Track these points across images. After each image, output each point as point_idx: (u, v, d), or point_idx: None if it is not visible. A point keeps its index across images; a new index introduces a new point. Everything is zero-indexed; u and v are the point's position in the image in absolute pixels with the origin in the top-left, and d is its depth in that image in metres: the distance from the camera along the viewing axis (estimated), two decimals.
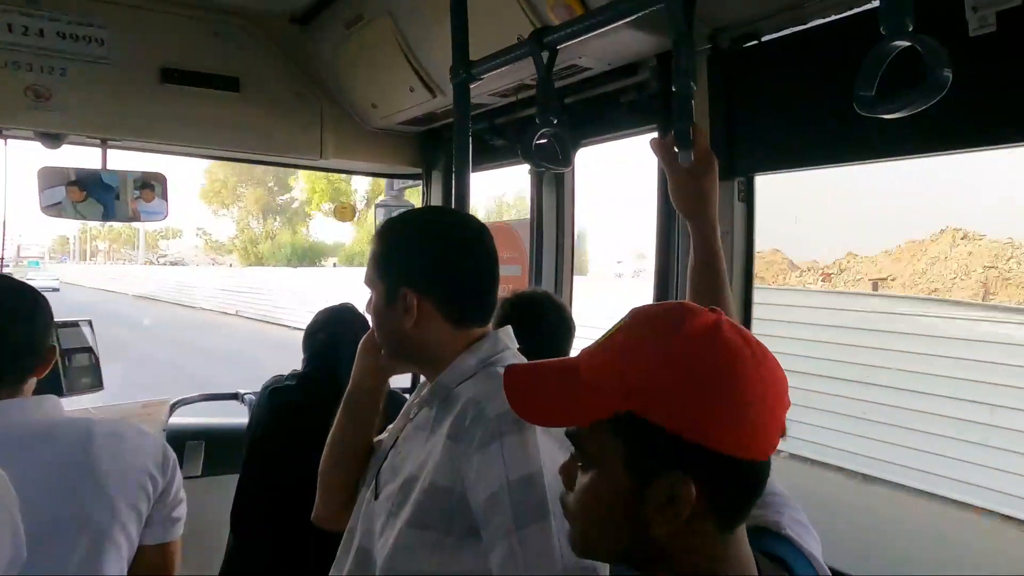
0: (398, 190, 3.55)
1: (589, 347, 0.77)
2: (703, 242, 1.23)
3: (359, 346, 1.37)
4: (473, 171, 2.00)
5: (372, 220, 3.52)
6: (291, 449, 2.06)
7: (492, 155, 2.77)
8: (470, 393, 1.18)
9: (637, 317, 0.75)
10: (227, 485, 2.13)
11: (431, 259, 1.24)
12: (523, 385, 0.79)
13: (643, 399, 0.69)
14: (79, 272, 50.50)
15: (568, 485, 0.77)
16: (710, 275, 1.23)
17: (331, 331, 2.18)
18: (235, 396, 2.81)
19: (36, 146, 2.54)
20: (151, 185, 2.59)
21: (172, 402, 2.73)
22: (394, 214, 3.54)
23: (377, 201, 3.47)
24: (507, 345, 1.27)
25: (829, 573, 0.85)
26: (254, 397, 2.64)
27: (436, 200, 3.11)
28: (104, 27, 2.42)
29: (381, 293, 1.25)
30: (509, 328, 1.31)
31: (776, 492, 0.94)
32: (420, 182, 3.25)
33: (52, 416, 1.23)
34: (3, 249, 2.73)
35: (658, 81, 2.00)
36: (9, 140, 2.52)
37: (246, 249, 40.44)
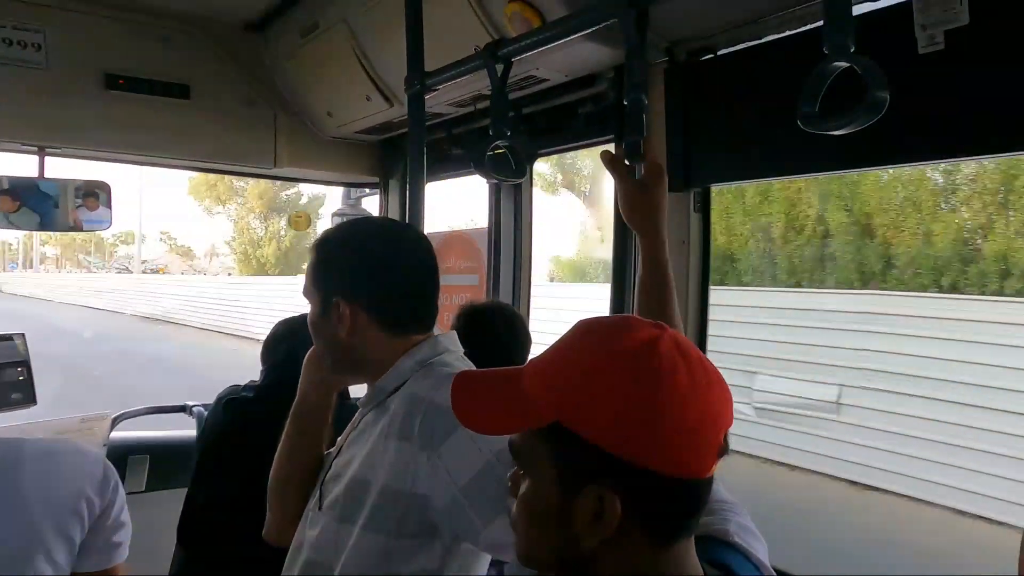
0: (355, 199, 3.51)
1: (536, 356, 0.77)
2: (651, 255, 1.24)
3: (305, 359, 1.38)
4: (430, 181, 1.98)
5: None
6: (246, 461, 2.01)
7: (450, 165, 2.75)
8: (413, 391, 1.18)
9: (579, 328, 0.75)
10: (173, 499, 2.07)
11: (361, 268, 1.24)
12: (467, 391, 0.79)
13: (569, 410, 0.69)
14: (35, 282, 46.27)
15: (513, 492, 0.77)
16: (658, 288, 1.23)
17: (291, 343, 2.14)
18: (183, 408, 2.73)
19: None
20: (95, 193, 2.51)
21: (113, 416, 2.65)
22: None
23: (334, 211, 3.43)
24: (447, 348, 1.27)
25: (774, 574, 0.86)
26: (203, 409, 2.57)
27: (394, 209, 3.08)
28: (40, 31, 2.34)
29: (316, 304, 1.26)
30: (453, 333, 1.32)
31: (723, 499, 0.94)
32: (376, 191, 3.22)
33: None
34: None
35: (615, 92, 2.00)
36: None
37: (246, 253, 34.03)
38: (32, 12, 2.33)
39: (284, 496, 1.37)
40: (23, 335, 2.25)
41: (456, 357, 1.26)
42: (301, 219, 3.18)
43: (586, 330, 0.74)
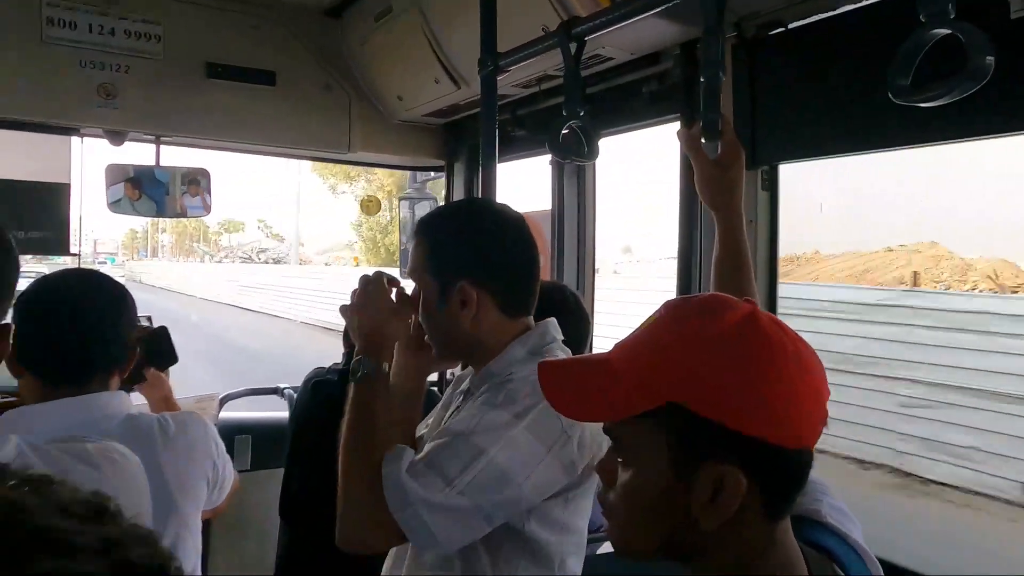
0: (420, 183, 3.58)
1: (622, 341, 0.77)
2: (728, 233, 1.24)
3: (398, 345, 1.36)
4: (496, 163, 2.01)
5: None
6: (333, 440, 2.12)
7: (514, 146, 2.79)
8: (511, 375, 1.21)
9: (672, 309, 0.75)
10: (274, 478, 2.18)
11: (486, 249, 1.25)
12: (559, 380, 0.79)
13: (685, 390, 0.69)
14: (163, 272, 43.48)
15: (608, 482, 0.76)
16: (736, 266, 1.24)
17: None
18: (276, 391, 2.86)
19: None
20: (196, 180, 2.64)
21: (220, 396, 2.78)
22: (417, 207, 3.59)
23: (401, 195, 3.50)
24: (554, 336, 1.29)
25: (876, 561, 0.83)
26: (293, 392, 2.69)
27: (459, 192, 3.14)
28: (159, 23, 2.49)
29: (433, 289, 1.25)
30: (555, 320, 1.32)
31: (812, 479, 0.94)
32: (443, 174, 3.27)
33: (124, 410, 1.26)
34: (80, 245, 2.82)
35: (681, 70, 2.00)
36: (85, 138, 2.60)
37: (375, 240, 30.23)
38: (152, 5, 2.48)
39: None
40: (149, 317, 2.35)
41: (559, 346, 1.28)
42: (372, 203, 3.27)
43: (681, 310, 0.75)
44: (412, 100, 2.75)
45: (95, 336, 1.23)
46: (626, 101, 2.28)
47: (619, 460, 0.74)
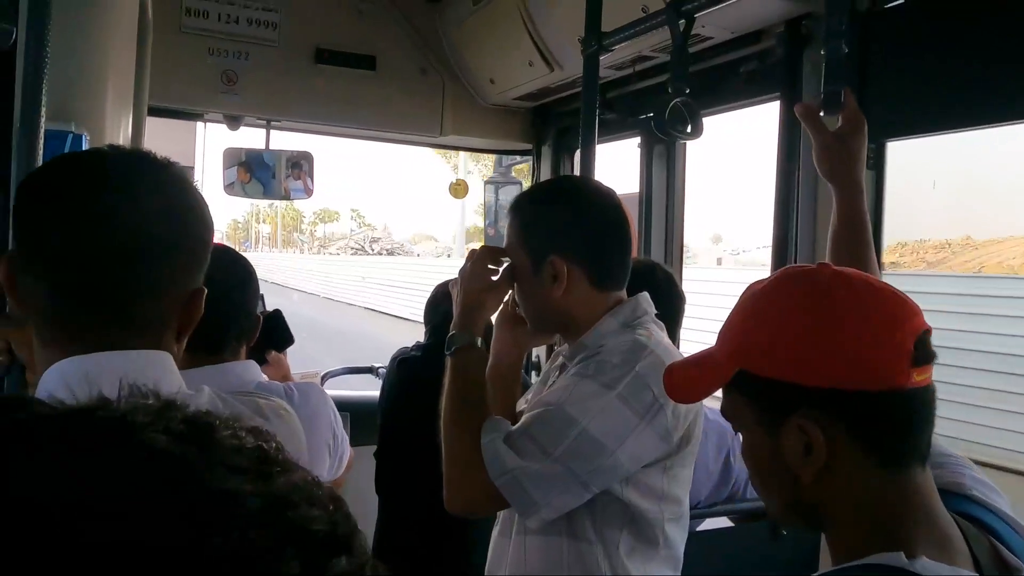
0: (506, 167, 3.62)
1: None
2: (848, 204, 1.23)
3: (496, 320, 1.41)
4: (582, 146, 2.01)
5: None
6: (420, 416, 2.20)
7: (602, 129, 2.80)
8: (605, 348, 1.24)
9: (750, 286, 0.80)
10: (370, 454, 2.27)
11: (576, 224, 1.28)
12: (675, 373, 0.87)
13: (745, 355, 0.74)
14: (271, 264, 38.29)
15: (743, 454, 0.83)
16: (854, 237, 1.23)
17: (448, 305, 2.29)
18: (370, 370, 2.96)
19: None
20: (299, 164, 2.75)
21: (322, 374, 2.89)
22: (501, 191, 3.62)
23: (486, 178, 3.56)
24: (646, 310, 1.31)
25: None
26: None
27: (546, 175, 3.16)
28: (276, 10, 2.60)
29: (526, 263, 1.29)
30: (647, 294, 1.35)
31: (948, 454, 0.92)
32: (528, 158, 3.31)
33: (256, 378, 1.34)
34: None
35: (784, 48, 1.98)
36: (208, 124, 2.78)
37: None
38: None
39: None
40: (262, 296, 2.46)
41: (651, 319, 1.31)
42: (460, 187, 3.32)
43: (759, 285, 0.79)
44: (504, 83, 2.79)
45: (231, 307, 1.31)
46: (723, 81, 2.26)
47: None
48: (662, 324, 1.33)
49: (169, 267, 0.78)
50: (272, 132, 2.83)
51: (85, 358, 0.75)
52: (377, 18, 2.77)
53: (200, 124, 2.78)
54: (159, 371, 0.79)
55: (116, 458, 0.26)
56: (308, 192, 2.81)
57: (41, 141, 1.16)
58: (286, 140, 2.94)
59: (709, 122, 2.36)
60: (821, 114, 1.26)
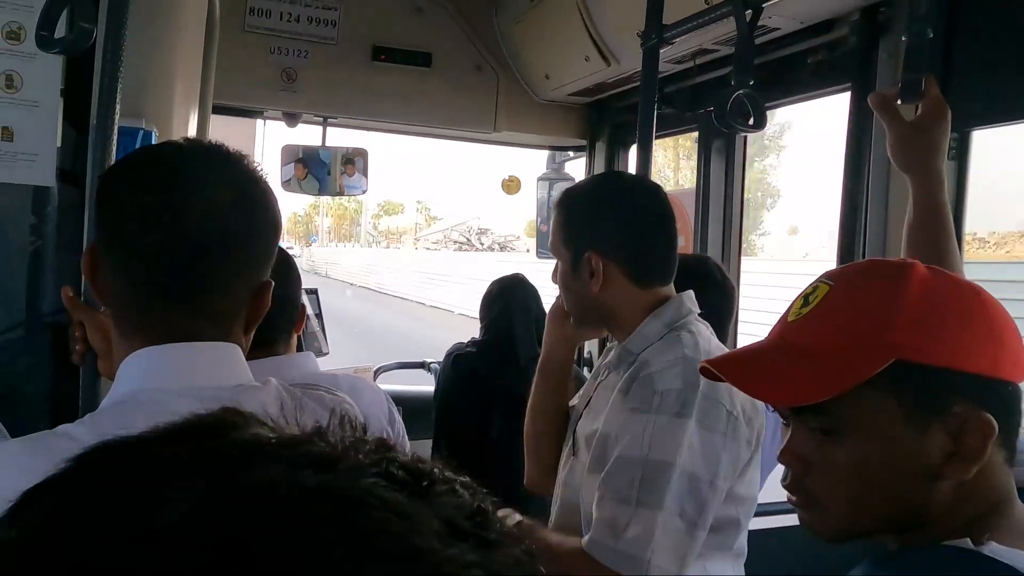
0: (559, 163, 3.60)
1: (793, 322, 0.75)
2: (927, 196, 1.18)
3: (548, 315, 1.44)
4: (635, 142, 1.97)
5: None
6: (476, 409, 2.21)
7: (658, 125, 2.75)
8: (650, 357, 1.22)
9: (844, 279, 0.75)
10: (422, 449, 2.28)
11: (612, 221, 1.28)
12: (753, 374, 0.76)
13: (909, 343, 0.67)
14: (350, 261, 35.84)
15: (799, 467, 0.73)
16: (935, 231, 1.18)
17: (506, 300, 2.31)
18: (422, 365, 2.97)
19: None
20: (353, 160, 2.78)
21: (375, 368, 2.92)
22: (554, 187, 3.61)
23: (539, 175, 3.54)
24: (690, 309, 1.30)
25: None
26: (438, 366, 2.79)
27: (600, 171, 3.13)
28: (336, 9, 2.64)
29: (567, 260, 1.30)
30: (691, 293, 1.33)
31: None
32: (583, 155, 3.28)
33: (312, 370, 1.35)
34: None
35: (858, 38, 1.91)
36: (267, 121, 2.86)
37: None
38: None
39: (539, 448, 1.45)
40: (315, 290, 2.50)
41: (696, 318, 1.29)
42: (513, 183, 3.31)
43: (857, 277, 0.75)
44: (559, 79, 2.77)
45: (279, 299, 1.32)
46: (789, 71, 2.21)
47: (824, 439, 0.70)
48: (707, 324, 1.31)
49: (241, 259, 0.79)
50: (328, 129, 2.87)
51: (160, 349, 0.77)
52: (434, 15, 2.78)
53: (260, 121, 2.82)
54: (229, 363, 0.80)
55: (348, 524, 0.24)
56: (363, 189, 2.84)
57: (115, 137, 1.18)
58: (342, 137, 2.97)
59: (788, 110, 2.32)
60: (898, 103, 1.22)
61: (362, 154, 2.82)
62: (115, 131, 1.19)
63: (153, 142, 1.37)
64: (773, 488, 1.27)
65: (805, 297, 0.75)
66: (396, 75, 2.73)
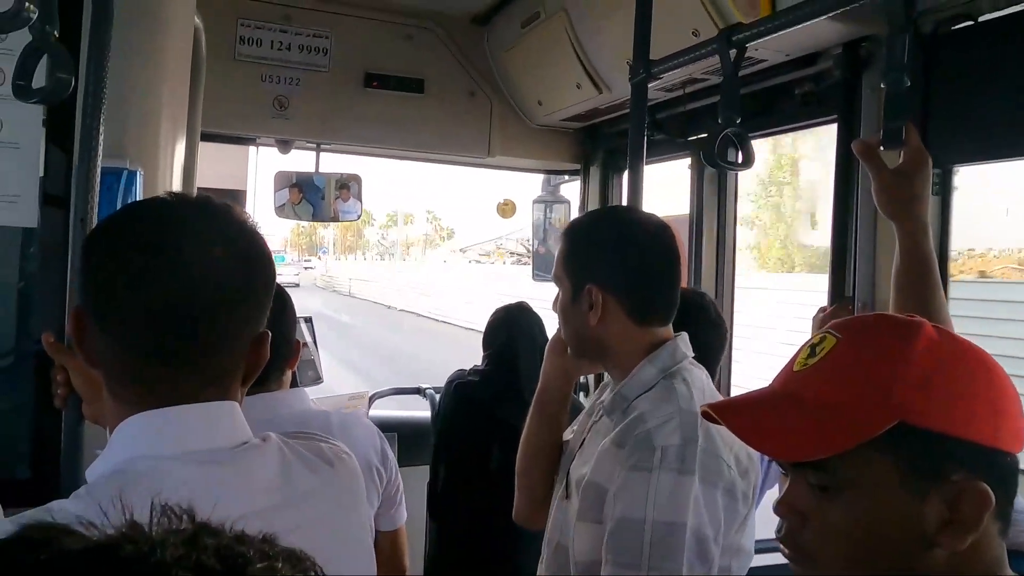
0: (554, 186, 3.61)
1: (798, 372, 0.74)
2: (913, 245, 1.18)
3: (547, 346, 1.42)
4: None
5: None
6: (476, 440, 2.20)
7: (651, 150, 2.76)
8: (645, 408, 1.20)
9: (852, 333, 0.73)
10: (417, 475, 2.27)
11: (616, 255, 1.27)
12: (755, 425, 0.75)
13: (913, 405, 0.66)
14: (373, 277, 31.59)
15: (795, 521, 0.72)
16: (920, 279, 1.18)
17: (510, 330, 2.30)
18: (418, 391, 2.97)
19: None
20: (347, 185, 2.79)
21: (370, 395, 2.92)
22: (550, 210, 3.61)
23: (534, 198, 3.55)
24: (685, 354, 1.29)
25: None
26: (434, 392, 2.78)
27: (594, 195, 3.14)
28: (328, 37, 2.66)
29: (567, 290, 1.30)
30: (686, 336, 1.32)
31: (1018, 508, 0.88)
32: (577, 178, 3.29)
33: (304, 408, 1.35)
34: None
35: (842, 71, 1.92)
36: (260, 147, 2.88)
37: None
38: (324, 19, 2.65)
39: (530, 482, 1.43)
40: (309, 318, 2.50)
41: (691, 362, 1.28)
42: (508, 207, 3.33)
43: (865, 333, 0.74)
44: (552, 105, 2.78)
45: (275, 339, 1.32)
46: (775, 103, 2.22)
47: (821, 495, 0.70)
48: (701, 367, 1.31)
49: (239, 315, 0.77)
50: (322, 154, 2.88)
51: (157, 413, 0.75)
52: (425, 42, 2.79)
53: (252, 148, 2.84)
54: (228, 422, 0.78)
55: None
56: (358, 213, 2.85)
57: (98, 179, 1.19)
58: (335, 161, 2.98)
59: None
60: (881, 149, 1.22)
61: (356, 179, 2.84)
62: (98, 172, 1.19)
63: (138, 181, 1.38)
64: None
65: (812, 347, 0.74)
66: (389, 101, 2.75)
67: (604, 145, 3.07)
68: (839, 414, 0.68)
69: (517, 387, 2.17)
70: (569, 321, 1.31)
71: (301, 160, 2.86)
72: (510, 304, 2.42)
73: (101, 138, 1.18)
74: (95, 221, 1.16)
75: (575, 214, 3.29)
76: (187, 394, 0.76)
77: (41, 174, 1.32)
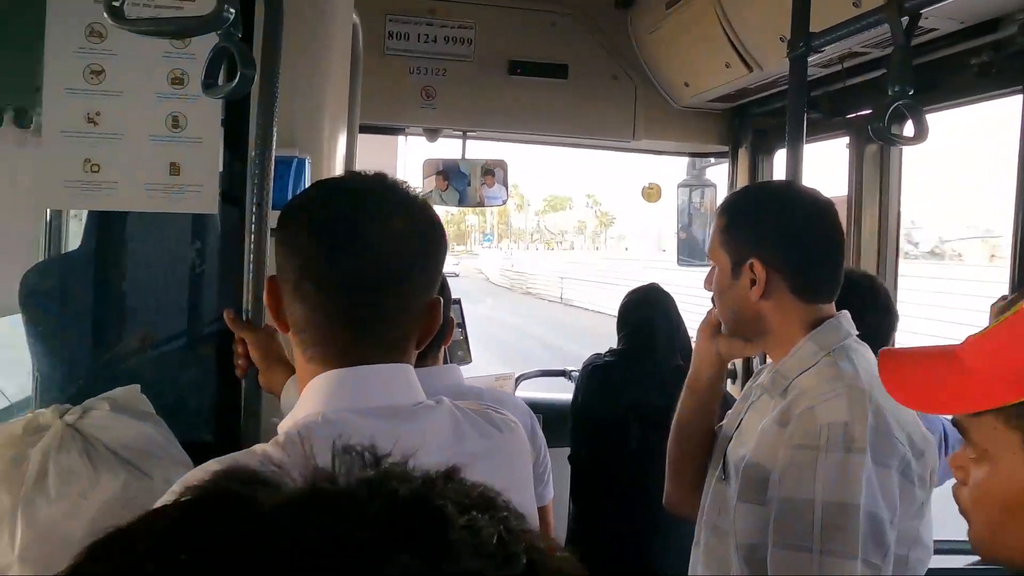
0: (699, 169, 3.52)
1: (976, 334, 0.74)
2: None
3: (698, 330, 1.38)
4: (779, 148, 1.89)
5: None
6: (613, 422, 2.20)
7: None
8: (808, 385, 1.15)
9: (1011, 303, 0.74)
10: (559, 456, 2.29)
11: (783, 229, 1.23)
12: (902, 368, 0.77)
13: None
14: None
15: (961, 478, 0.74)
16: None
17: (645, 309, 2.28)
18: (563, 373, 3.00)
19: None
20: (492, 171, 2.86)
21: (516, 376, 2.98)
22: (694, 194, 3.53)
23: (679, 182, 3.47)
24: (848, 332, 1.22)
25: None
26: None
27: (743, 178, 3.03)
28: (472, 28, 2.74)
29: (725, 266, 1.26)
30: (847, 313, 1.25)
31: None
32: (724, 160, 3.18)
33: (459, 383, 1.40)
34: None
35: None
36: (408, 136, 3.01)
37: None
38: (468, 11, 2.75)
39: (681, 468, 1.39)
40: (459, 300, 2.59)
41: (856, 341, 1.22)
42: (653, 191, 3.28)
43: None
44: (699, 86, 2.71)
45: None
46: (950, 74, 2.05)
47: (971, 460, 0.72)
48: (866, 346, 1.23)
49: (419, 284, 0.84)
50: (468, 141, 2.95)
51: (344, 372, 0.82)
52: (569, 28, 2.81)
53: (401, 138, 2.95)
54: (406, 383, 0.85)
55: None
56: (503, 199, 2.91)
57: (272, 168, 1.28)
58: (481, 148, 3.06)
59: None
60: None
61: (501, 165, 2.89)
62: (272, 161, 1.28)
63: (307, 169, 1.47)
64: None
65: (1001, 312, 0.75)
66: (532, 88, 2.78)
67: (753, 126, 2.95)
68: (973, 381, 0.70)
69: (654, 366, 2.15)
70: (726, 298, 1.27)
71: (447, 147, 2.94)
72: (643, 285, 2.42)
73: (275, 129, 1.27)
74: (270, 206, 1.25)
75: (721, 198, 3.20)
76: (370, 356, 0.82)
77: (220, 166, 1.44)
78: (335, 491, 0.29)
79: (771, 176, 2.97)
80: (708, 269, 1.33)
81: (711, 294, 1.32)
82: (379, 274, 0.81)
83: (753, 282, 1.21)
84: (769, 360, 1.31)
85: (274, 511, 0.28)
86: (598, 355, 2.39)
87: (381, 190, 0.84)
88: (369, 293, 0.81)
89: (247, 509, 0.28)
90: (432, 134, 2.89)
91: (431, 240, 0.84)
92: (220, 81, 1.18)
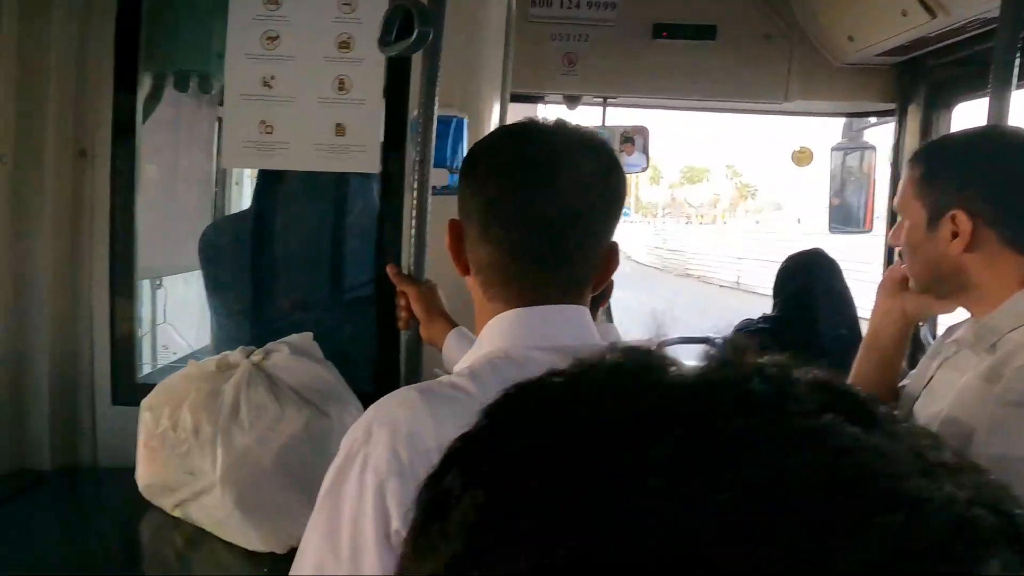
0: (857, 130, 3.30)
1: None
2: None
3: (879, 286, 1.30)
4: (962, 102, 1.68)
5: None
6: None
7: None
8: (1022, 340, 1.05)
9: None
10: None
11: (993, 178, 1.11)
12: None
13: None
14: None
15: None
16: None
17: (806, 276, 2.18)
18: (707, 340, 2.94)
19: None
20: (632, 139, 2.81)
21: (658, 343, 2.95)
22: (849, 157, 3.32)
23: (833, 145, 3.28)
24: None
25: None
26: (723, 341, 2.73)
27: (912, 138, 2.80)
28: None
29: (920, 217, 1.15)
30: None
31: None
32: (887, 120, 2.96)
33: (618, 339, 1.39)
34: None
35: None
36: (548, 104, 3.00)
37: None
38: None
39: None
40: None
41: None
42: (804, 154, 3.11)
43: None
44: (866, 39, 2.51)
45: None
46: None
47: None
48: None
49: (602, 226, 0.86)
50: (608, 108, 2.90)
51: (526, 310, 0.84)
52: None
53: (540, 105, 2.93)
54: (583, 324, 0.86)
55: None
56: (643, 166, 2.84)
57: (434, 126, 1.31)
58: (622, 114, 2.99)
59: None
60: None
61: (641, 132, 2.83)
62: (434, 119, 1.31)
63: (465, 129, 1.49)
64: None
65: None
66: (678, 51, 2.67)
67: (928, 79, 2.71)
68: None
69: (814, 333, 2.05)
70: (920, 252, 1.17)
71: (588, 115, 2.89)
72: (805, 250, 2.30)
73: (437, 90, 1.29)
74: (432, 163, 1.28)
75: (883, 160, 2.98)
76: (551, 296, 0.84)
77: (382, 125, 1.48)
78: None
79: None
80: (861, 235, 1.24)
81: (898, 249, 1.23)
82: (566, 212, 0.82)
83: (955, 235, 1.11)
84: (967, 315, 1.20)
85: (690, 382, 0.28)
86: (750, 320, 2.32)
87: (567, 132, 0.86)
88: (555, 231, 0.83)
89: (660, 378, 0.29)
90: (572, 101, 2.86)
91: (614, 182, 0.86)
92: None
